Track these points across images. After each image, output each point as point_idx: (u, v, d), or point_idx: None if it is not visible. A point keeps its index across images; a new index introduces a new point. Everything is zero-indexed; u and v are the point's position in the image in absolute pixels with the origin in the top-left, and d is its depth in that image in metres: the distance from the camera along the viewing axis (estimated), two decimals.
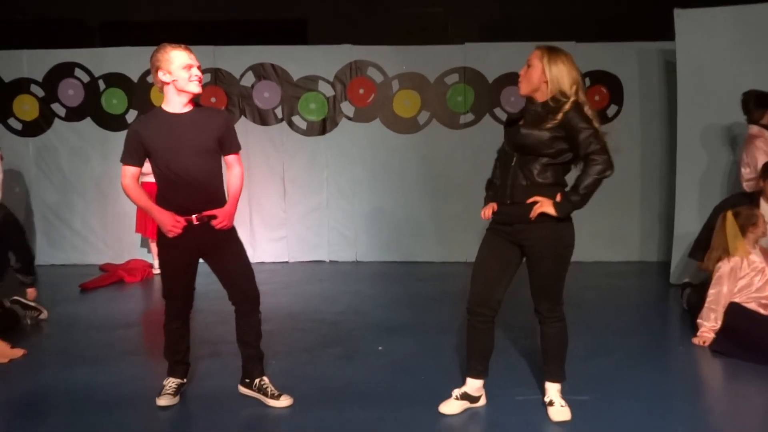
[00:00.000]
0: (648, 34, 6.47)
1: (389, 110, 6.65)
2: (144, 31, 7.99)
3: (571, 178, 2.83)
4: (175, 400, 3.04)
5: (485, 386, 3.04)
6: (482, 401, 3.03)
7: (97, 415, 2.97)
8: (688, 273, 5.38)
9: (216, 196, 2.93)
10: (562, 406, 2.88)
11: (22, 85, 6.57)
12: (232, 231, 3.00)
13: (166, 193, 2.87)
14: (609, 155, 2.68)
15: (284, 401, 3.02)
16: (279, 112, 6.65)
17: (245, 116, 6.62)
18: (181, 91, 2.81)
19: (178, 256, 2.91)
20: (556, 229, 2.76)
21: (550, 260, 2.80)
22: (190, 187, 2.83)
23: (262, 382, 3.09)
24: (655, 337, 4.26)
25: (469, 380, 3.00)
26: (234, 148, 2.98)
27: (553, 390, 2.92)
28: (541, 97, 2.78)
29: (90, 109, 6.62)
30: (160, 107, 2.90)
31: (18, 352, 3.74)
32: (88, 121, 6.64)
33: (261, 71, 6.61)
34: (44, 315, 4.55)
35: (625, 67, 6.48)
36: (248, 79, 6.61)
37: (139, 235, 6.52)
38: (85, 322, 4.55)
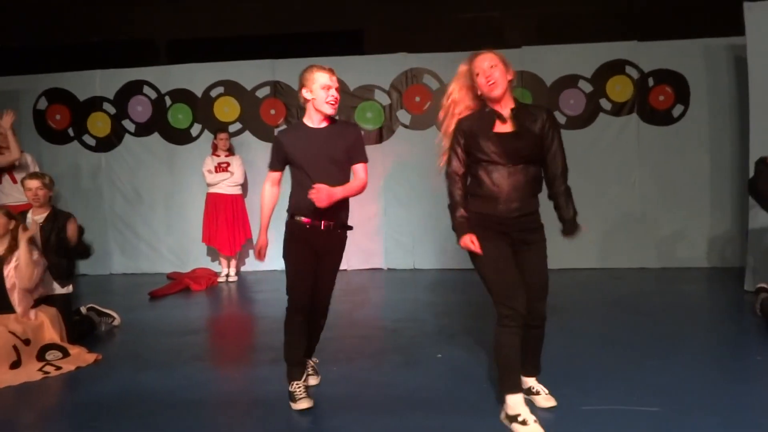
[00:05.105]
0: (715, 30, 6.21)
1: None
2: (207, 47, 8.29)
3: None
4: (312, 402, 3.10)
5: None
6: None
7: (167, 417, 3.08)
8: (763, 278, 5.11)
9: (344, 204, 3.14)
10: (546, 393, 3.06)
11: (95, 103, 6.95)
12: (344, 241, 3.20)
13: (301, 199, 3.05)
14: None
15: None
16: None
17: None
18: (317, 110, 3.07)
19: (302, 253, 3.09)
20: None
21: None
22: None
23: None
24: (729, 346, 4.05)
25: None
26: (360, 158, 3.15)
27: (534, 381, 3.10)
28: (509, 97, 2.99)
29: (157, 124, 6.92)
30: (302, 121, 3.17)
31: (94, 357, 3.94)
32: (155, 136, 6.94)
33: None
34: (117, 321, 4.77)
35: (691, 64, 6.26)
36: None
37: (204, 245, 6.75)
38: (155, 328, 4.75)
